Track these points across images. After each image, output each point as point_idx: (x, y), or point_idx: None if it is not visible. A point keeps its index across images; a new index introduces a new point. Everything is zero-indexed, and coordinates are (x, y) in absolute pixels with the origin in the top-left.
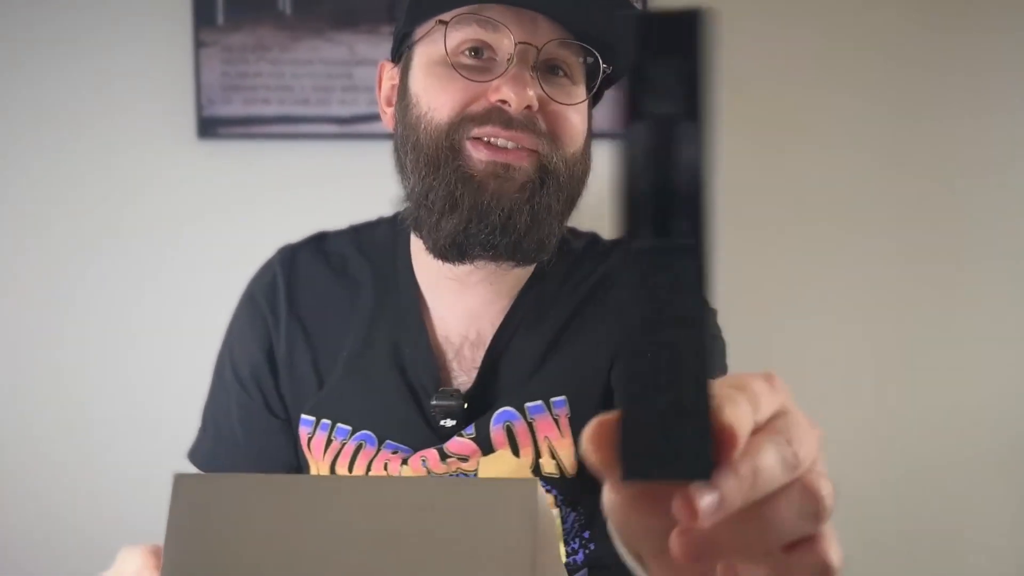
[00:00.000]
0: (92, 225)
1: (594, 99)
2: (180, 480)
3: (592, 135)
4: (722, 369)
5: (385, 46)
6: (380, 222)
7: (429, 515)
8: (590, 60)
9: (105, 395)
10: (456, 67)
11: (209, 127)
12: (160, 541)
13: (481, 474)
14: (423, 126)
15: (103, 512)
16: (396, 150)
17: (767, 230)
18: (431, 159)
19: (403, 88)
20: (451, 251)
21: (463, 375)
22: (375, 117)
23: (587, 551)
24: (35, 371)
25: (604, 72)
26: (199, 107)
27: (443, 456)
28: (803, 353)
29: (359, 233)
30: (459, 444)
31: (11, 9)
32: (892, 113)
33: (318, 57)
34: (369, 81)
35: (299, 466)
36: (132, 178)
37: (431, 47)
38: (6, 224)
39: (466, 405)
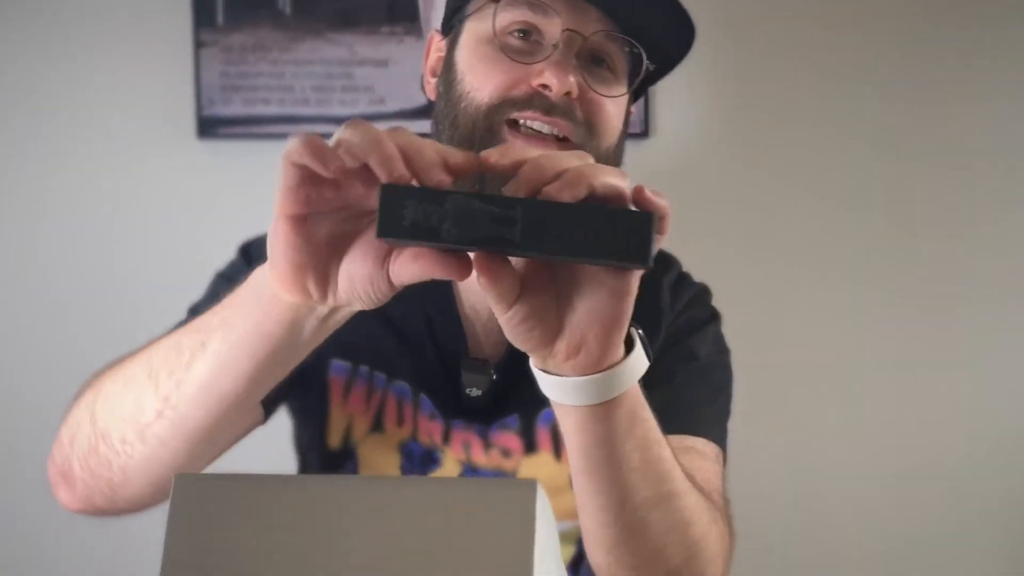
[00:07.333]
0: (91, 225)
1: (634, 95)
2: (180, 480)
3: (626, 132)
4: (725, 410)
5: (385, 46)
6: None
7: (429, 515)
8: (635, 54)
9: None
10: (503, 48)
11: (209, 127)
12: (156, 540)
13: (520, 476)
14: (464, 104)
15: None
16: (435, 123)
17: (766, 229)
18: (467, 138)
19: (449, 62)
20: None
21: (490, 348)
22: (375, 118)
23: None
24: (32, 372)
25: (647, 70)
26: (199, 107)
27: (487, 445)
28: (803, 353)
29: None
30: (504, 436)
31: (9, 8)
32: (895, 107)
33: (318, 57)
34: (368, 81)
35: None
36: (131, 178)
37: (480, 24)
38: (4, 223)
39: (494, 376)
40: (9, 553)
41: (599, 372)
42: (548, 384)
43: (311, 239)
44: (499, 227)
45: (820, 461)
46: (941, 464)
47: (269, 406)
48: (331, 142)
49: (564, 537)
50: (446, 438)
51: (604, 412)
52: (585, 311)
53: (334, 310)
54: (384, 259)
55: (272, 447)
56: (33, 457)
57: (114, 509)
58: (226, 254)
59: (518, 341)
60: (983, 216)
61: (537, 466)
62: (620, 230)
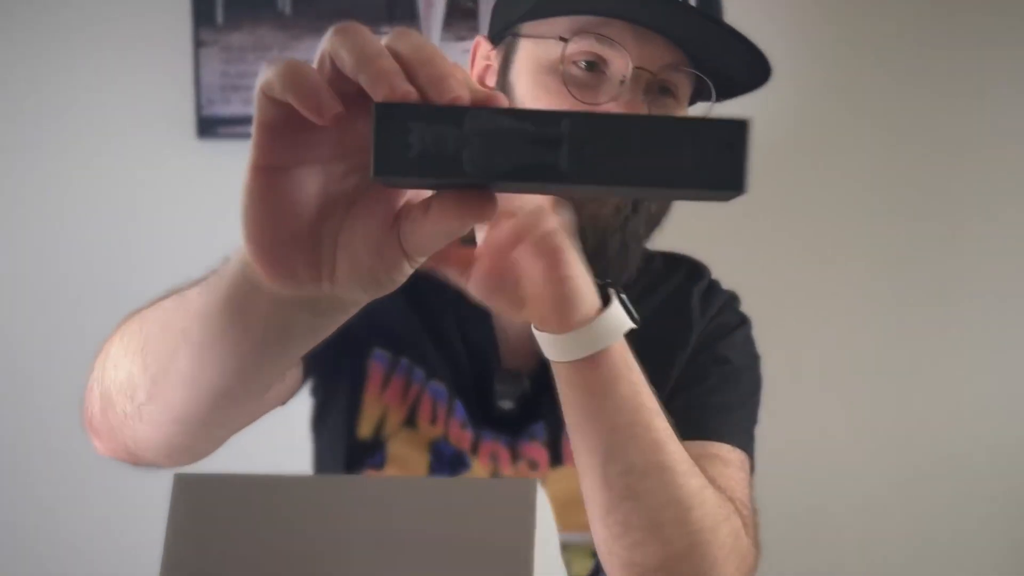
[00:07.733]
0: (91, 225)
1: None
2: (180, 479)
3: None
4: (752, 416)
5: None
6: None
7: (429, 515)
8: (700, 79)
9: None
10: (566, 79)
11: (209, 127)
12: (154, 539)
13: (546, 489)
14: None
15: (97, 510)
16: None
17: (766, 229)
18: None
19: (504, 82)
20: None
21: (522, 358)
22: None
23: None
24: (31, 371)
25: (713, 101)
26: (199, 107)
27: (514, 457)
28: (804, 354)
29: None
30: (531, 448)
31: (10, 8)
32: (895, 118)
33: None
34: None
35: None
36: (131, 177)
37: (542, 49)
38: (5, 223)
39: (527, 389)
40: (10, 552)
41: (571, 331)
42: (538, 340)
43: (297, 200)
44: (539, 151)
45: (821, 462)
46: (943, 465)
47: (308, 370)
48: (315, 59)
49: (582, 549)
50: (474, 449)
51: (585, 368)
52: (531, 276)
53: (332, 301)
54: (394, 222)
55: (272, 446)
56: (34, 455)
57: (139, 465)
58: (224, 253)
59: (492, 308)
60: (986, 216)
61: (564, 479)
62: (702, 145)
